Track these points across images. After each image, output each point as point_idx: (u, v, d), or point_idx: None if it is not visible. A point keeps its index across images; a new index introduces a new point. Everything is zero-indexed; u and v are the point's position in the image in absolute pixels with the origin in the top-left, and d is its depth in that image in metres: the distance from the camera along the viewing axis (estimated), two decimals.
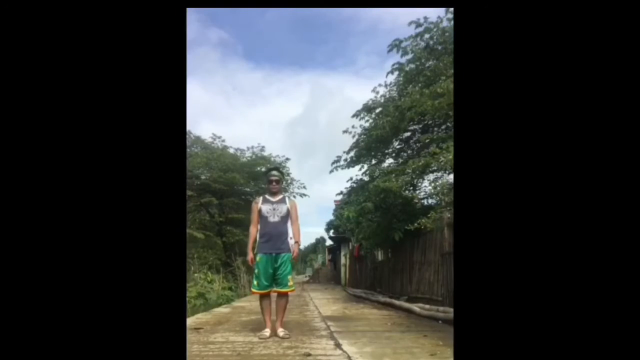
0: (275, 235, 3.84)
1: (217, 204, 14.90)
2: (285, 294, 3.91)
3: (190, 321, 4.96)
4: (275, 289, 3.88)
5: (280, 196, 4.01)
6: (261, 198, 4.02)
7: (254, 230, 3.97)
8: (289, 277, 3.86)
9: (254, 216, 3.98)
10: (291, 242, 3.92)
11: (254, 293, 4.07)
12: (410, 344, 3.42)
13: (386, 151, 9.35)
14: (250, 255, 3.94)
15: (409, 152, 9.03)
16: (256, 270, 3.87)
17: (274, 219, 3.87)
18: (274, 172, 4.11)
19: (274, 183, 4.00)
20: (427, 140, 7.46)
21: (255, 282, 3.90)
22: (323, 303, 8.45)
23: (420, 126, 8.63)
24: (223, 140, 15.76)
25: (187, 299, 7.38)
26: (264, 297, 3.89)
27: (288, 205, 3.95)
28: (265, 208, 3.90)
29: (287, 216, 3.92)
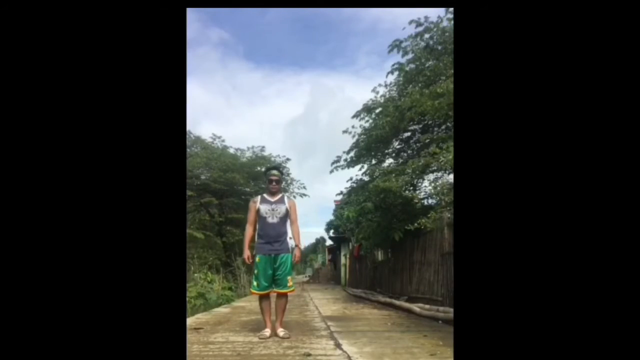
0: (274, 237, 3.82)
1: (217, 204, 14.93)
2: (285, 295, 3.91)
3: (190, 321, 4.96)
4: (274, 289, 3.87)
5: (279, 196, 3.98)
6: (259, 197, 3.99)
7: (250, 229, 3.94)
8: (289, 277, 3.85)
9: (251, 215, 3.95)
10: (290, 242, 3.91)
11: (253, 294, 4.06)
12: (410, 344, 3.42)
13: (386, 151, 9.34)
14: (247, 253, 3.90)
15: (409, 152, 9.01)
16: (255, 271, 3.86)
17: (272, 219, 3.84)
18: (274, 172, 4.06)
19: (273, 183, 3.96)
20: (427, 140, 7.46)
21: (254, 283, 3.89)
22: (323, 303, 8.46)
23: (420, 126, 8.61)
24: (223, 140, 15.83)
25: (187, 299, 7.38)
26: (263, 297, 3.89)
27: (287, 205, 3.92)
28: (264, 208, 3.87)
29: (286, 217, 3.89)
